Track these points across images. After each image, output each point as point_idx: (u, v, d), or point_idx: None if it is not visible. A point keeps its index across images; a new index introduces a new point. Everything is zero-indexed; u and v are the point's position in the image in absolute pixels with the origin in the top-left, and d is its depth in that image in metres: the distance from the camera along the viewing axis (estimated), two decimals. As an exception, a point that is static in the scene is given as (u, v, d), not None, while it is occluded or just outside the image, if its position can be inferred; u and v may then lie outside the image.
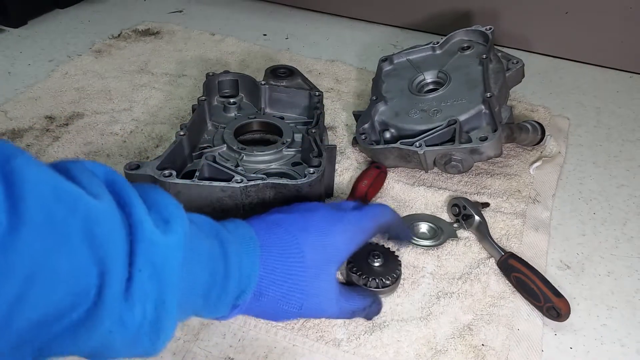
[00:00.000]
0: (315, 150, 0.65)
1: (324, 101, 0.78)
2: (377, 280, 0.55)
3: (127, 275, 0.30)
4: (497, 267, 0.60)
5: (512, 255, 0.59)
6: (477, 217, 0.63)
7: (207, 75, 0.76)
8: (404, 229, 0.54)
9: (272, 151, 0.67)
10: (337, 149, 0.77)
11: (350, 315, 0.48)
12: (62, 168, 0.30)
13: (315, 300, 0.42)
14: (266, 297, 0.40)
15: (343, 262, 0.45)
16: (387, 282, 0.55)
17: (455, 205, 0.66)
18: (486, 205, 0.68)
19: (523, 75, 0.79)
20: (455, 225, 0.65)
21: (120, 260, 0.29)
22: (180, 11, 1.23)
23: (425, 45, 0.82)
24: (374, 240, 0.63)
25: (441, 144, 0.68)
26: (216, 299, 0.37)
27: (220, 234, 0.39)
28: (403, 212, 0.67)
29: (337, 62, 1.02)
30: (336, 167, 0.74)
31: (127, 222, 0.31)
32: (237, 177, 0.58)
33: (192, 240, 0.35)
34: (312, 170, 0.59)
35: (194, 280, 0.35)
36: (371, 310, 0.51)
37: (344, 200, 0.50)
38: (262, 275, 0.40)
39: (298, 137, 0.71)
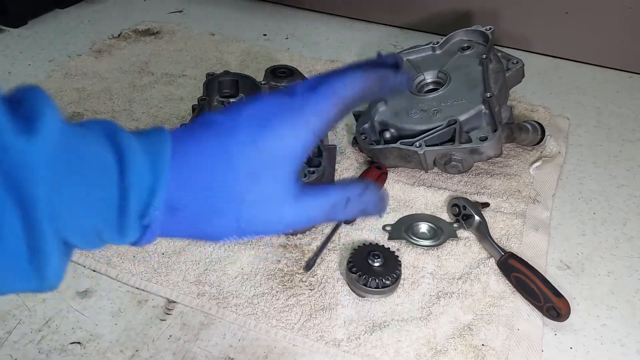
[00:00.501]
0: (315, 150, 0.65)
1: (324, 101, 0.78)
2: (377, 281, 0.55)
3: None
4: (497, 267, 0.60)
5: (512, 255, 0.59)
6: (477, 217, 0.63)
7: (207, 75, 0.76)
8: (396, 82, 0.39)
9: (272, 151, 0.67)
10: (337, 149, 0.77)
11: (329, 213, 0.36)
12: None
13: (257, 209, 0.35)
14: (184, 211, 0.33)
15: (300, 157, 0.36)
16: (387, 282, 0.55)
17: (455, 205, 0.66)
18: (486, 205, 0.68)
19: (523, 75, 0.79)
20: (455, 225, 0.65)
21: None
22: (180, 11, 1.23)
23: (425, 45, 0.82)
24: (374, 240, 0.63)
25: (441, 144, 0.68)
26: (117, 216, 0.31)
27: (118, 139, 0.31)
28: (403, 212, 0.67)
29: (337, 62, 1.02)
30: (336, 167, 0.74)
31: None
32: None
33: (71, 146, 0.29)
34: (312, 169, 0.60)
35: (79, 194, 0.29)
36: (365, 201, 0.38)
37: (308, 78, 0.37)
38: (173, 185, 0.33)
39: (298, 137, 0.71)
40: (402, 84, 0.39)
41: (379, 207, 0.39)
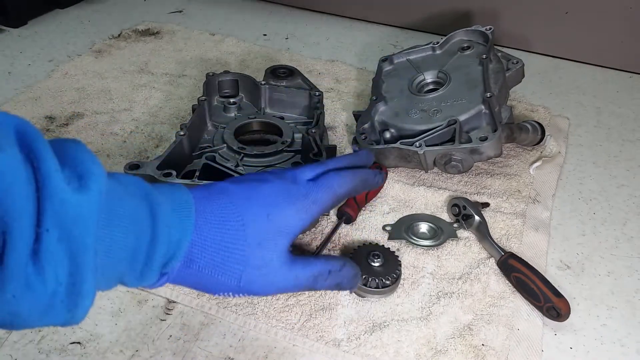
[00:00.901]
0: (315, 150, 0.65)
1: (324, 101, 0.78)
2: (377, 281, 0.55)
3: (34, 236, 0.27)
4: (497, 267, 0.60)
5: (512, 255, 0.59)
6: (477, 217, 0.63)
7: (207, 75, 0.76)
8: (363, 184, 0.50)
9: (272, 151, 0.67)
10: (337, 149, 0.77)
11: (312, 282, 0.43)
12: None
13: (257, 272, 0.40)
14: (197, 264, 0.38)
15: (296, 234, 0.42)
16: (387, 282, 0.55)
17: (455, 205, 0.66)
18: (486, 205, 0.68)
19: (523, 75, 0.79)
20: (455, 225, 0.65)
21: (25, 218, 0.27)
22: (180, 11, 1.23)
23: (425, 45, 0.82)
24: (374, 240, 0.63)
25: (441, 144, 0.68)
26: (142, 265, 0.35)
27: (150, 196, 0.36)
28: (403, 212, 0.67)
29: (337, 62, 1.02)
30: (336, 167, 0.74)
31: (35, 177, 0.28)
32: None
33: (111, 200, 0.32)
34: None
35: (115, 244, 0.32)
36: (342, 275, 0.45)
37: (304, 166, 0.46)
38: (194, 241, 0.37)
39: (298, 137, 0.71)
40: (379, 183, 0.51)
41: (352, 283, 0.47)
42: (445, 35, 0.81)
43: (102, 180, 0.31)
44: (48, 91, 0.90)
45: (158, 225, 0.35)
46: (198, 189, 0.41)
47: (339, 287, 0.46)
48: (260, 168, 0.66)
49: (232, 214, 0.40)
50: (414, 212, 0.68)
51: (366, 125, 0.74)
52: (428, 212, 0.68)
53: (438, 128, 0.68)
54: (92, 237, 0.30)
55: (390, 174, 0.73)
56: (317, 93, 0.76)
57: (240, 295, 0.41)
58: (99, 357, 0.51)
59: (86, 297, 0.30)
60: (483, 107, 0.68)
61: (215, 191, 0.41)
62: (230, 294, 0.40)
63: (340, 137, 0.82)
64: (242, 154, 0.67)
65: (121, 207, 0.33)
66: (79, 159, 0.31)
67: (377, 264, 0.56)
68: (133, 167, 0.59)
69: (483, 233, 0.63)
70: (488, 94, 0.68)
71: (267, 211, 0.41)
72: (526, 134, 0.76)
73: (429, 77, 0.78)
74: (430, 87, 0.78)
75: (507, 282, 0.59)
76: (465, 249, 0.63)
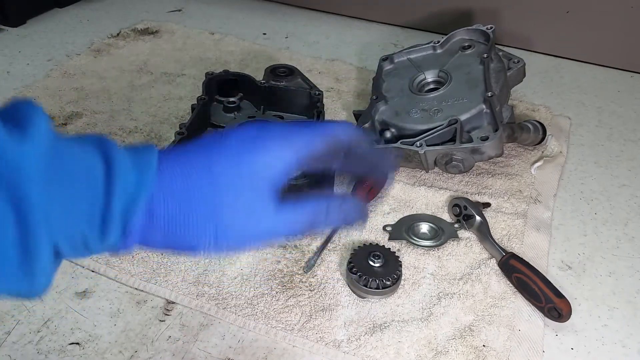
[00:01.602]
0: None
1: (324, 100, 0.78)
2: (377, 281, 0.55)
3: None
4: (498, 267, 0.60)
5: (513, 256, 0.59)
6: (478, 218, 0.63)
7: (207, 74, 0.76)
8: (367, 153, 0.42)
9: (271, 151, 0.67)
10: (337, 148, 0.76)
11: (309, 225, 0.38)
12: None
13: (234, 220, 0.36)
14: (162, 218, 0.34)
15: (281, 174, 0.37)
16: (388, 282, 0.55)
17: (456, 205, 0.65)
18: (487, 205, 0.68)
19: (524, 75, 0.79)
20: (456, 225, 0.65)
21: None
22: (180, 10, 1.23)
23: (426, 44, 0.82)
24: (374, 240, 0.63)
25: (442, 143, 0.68)
26: (101, 222, 0.32)
27: (106, 148, 0.33)
28: (404, 212, 0.67)
29: (337, 62, 1.02)
30: (336, 166, 0.73)
31: None
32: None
33: (62, 154, 0.30)
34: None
35: (70, 199, 0.30)
36: (347, 209, 0.40)
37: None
38: (157, 192, 0.34)
39: (298, 136, 0.71)
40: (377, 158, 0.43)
41: (361, 216, 0.40)
42: (446, 34, 0.81)
43: (44, 130, 0.29)
44: (47, 91, 0.90)
45: (112, 177, 0.32)
46: (169, 148, 0.37)
47: (346, 222, 0.40)
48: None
49: (201, 160, 0.36)
50: (415, 212, 0.67)
51: (366, 125, 0.74)
52: (429, 213, 0.67)
53: (439, 128, 0.68)
54: (35, 188, 0.28)
55: (390, 174, 0.73)
56: (317, 92, 0.75)
57: (223, 249, 0.36)
58: (97, 358, 0.51)
59: (42, 258, 0.29)
60: (484, 106, 0.68)
61: (190, 144, 0.37)
62: (211, 248, 0.36)
63: (340, 136, 0.81)
64: (242, 154, 0.66)
65: (73, 160, 0.31)
66: (23, 113, 0.29)
67: (377, 265, 0.56)
68: (132, 167, 0.59)
69: (484, 233, 0.62)
70: (489, 94, 0.68)
71: (238, 150, 0.36)
72: (527, 133, 0.75)
73: (430, 76, 0.78)
74: (431, 86, 0.77)
75: (508, 282, 0.59)
76: (466, 249, 0.62)
